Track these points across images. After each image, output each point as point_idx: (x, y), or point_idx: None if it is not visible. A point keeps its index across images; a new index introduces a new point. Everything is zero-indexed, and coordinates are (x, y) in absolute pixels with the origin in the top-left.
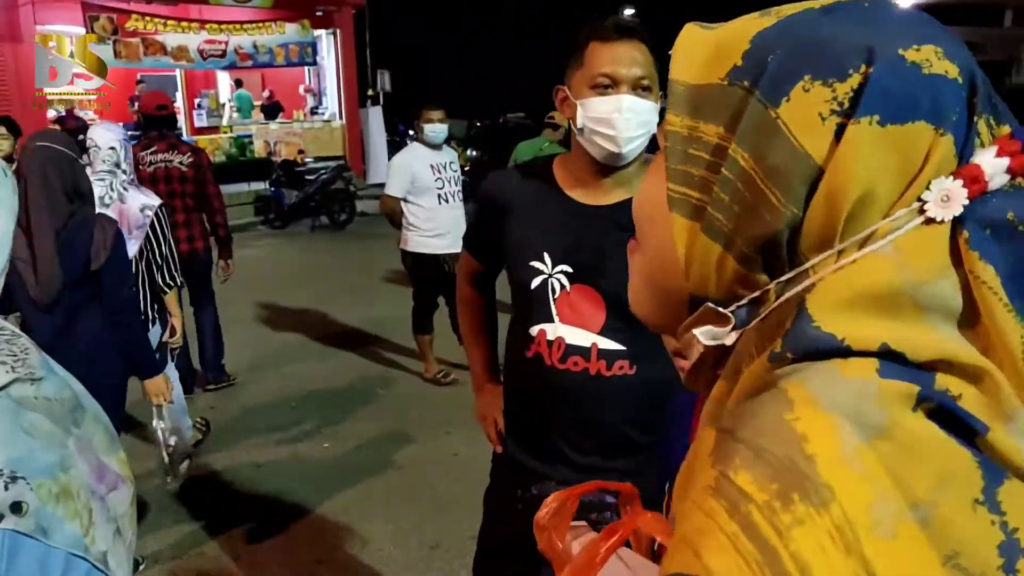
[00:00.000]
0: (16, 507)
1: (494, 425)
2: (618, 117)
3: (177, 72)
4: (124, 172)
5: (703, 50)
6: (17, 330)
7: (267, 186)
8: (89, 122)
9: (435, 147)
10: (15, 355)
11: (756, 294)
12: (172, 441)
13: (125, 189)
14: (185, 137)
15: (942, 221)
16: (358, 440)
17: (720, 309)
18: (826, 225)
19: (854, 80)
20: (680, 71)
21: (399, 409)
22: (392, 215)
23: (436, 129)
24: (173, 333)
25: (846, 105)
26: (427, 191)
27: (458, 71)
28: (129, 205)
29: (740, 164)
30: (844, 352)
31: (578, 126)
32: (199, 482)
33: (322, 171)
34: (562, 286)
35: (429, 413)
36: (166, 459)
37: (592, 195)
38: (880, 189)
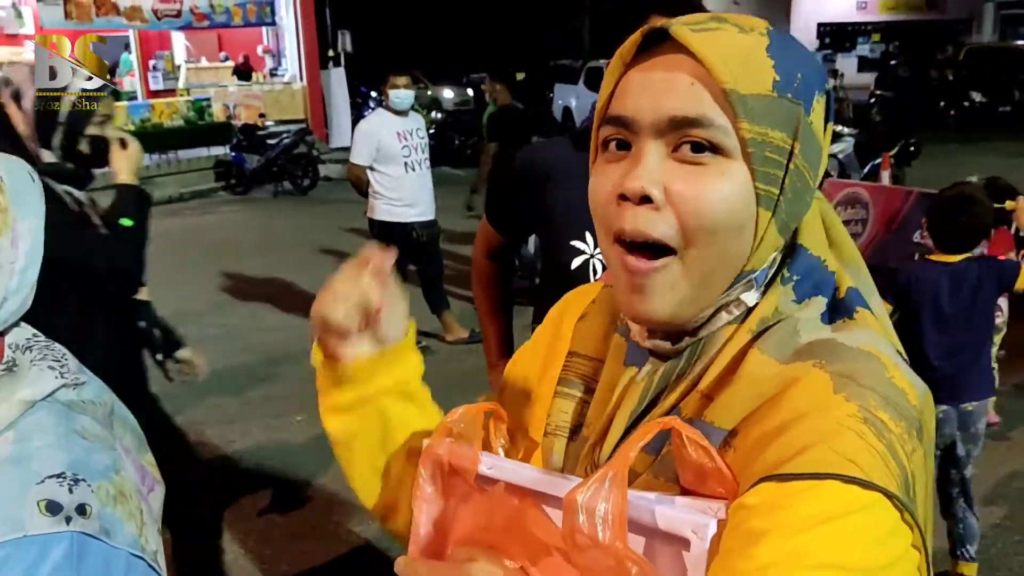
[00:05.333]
0: (81, 509)
1: None
2: None
3: (130, 33)
4: None
5: (733, 61)
6: (47, 339)
7: (227, 151)
8: None
9: (401, 113)
10: (58, 360)
11: (775, 255)
12: None
13: None
14: (140, 100)
15: None
16: None
17: (751, 277)
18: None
19: (825, 94)
20: (731, 80)
21: None
22: (358, 184)
23: (401, 95)
24: None
25: (827, 109)
26: (393, 159)
27: (421, 32)
28: None
29: (797, 162)
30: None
31: None
32: (169, 458)
33: (284, 135)
34: (604, 268)
35: None
36: None
37: None
38: None
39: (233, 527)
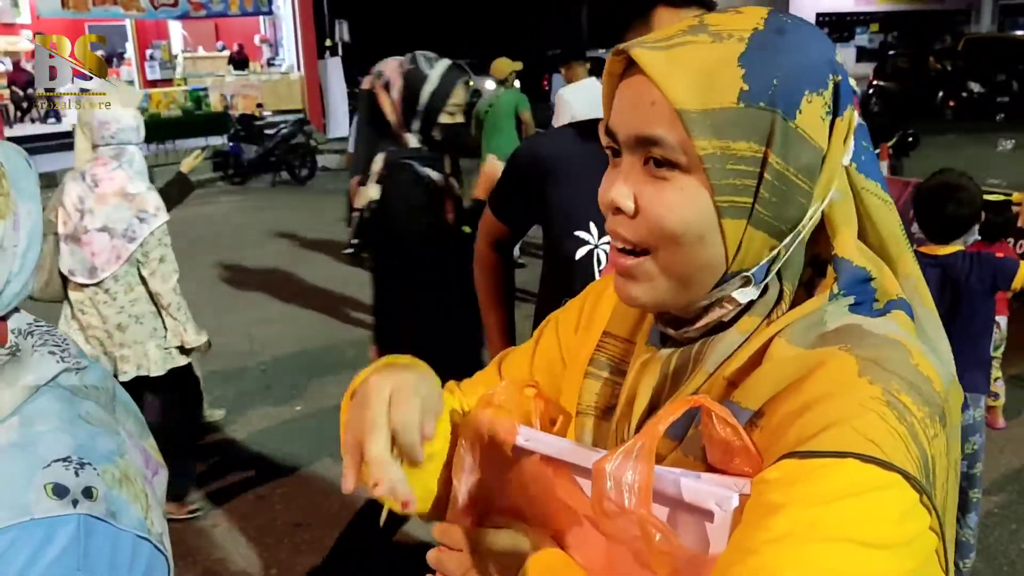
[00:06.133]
0: (87, 492)
1: None
2: None
3: (127, 22)
4: None
5: (689, 79)
6: (48, 324)
7: (225, 141)
8: None
9: None
10: (59, 345)
11: (773, 254)
12: None
13: None
14: (137, 90)
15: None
16: (331, 402)
17: (747, 274)
18: (823, 193)
19: (831, 87)
20: (683, 100)
21: None
22: None
23: None
24: None
25: (831, 106)
26: None
27: (418, 21)
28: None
29: (776, 168)
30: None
31: None
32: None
33: (281, 125)
34: (608, 257)
35: None
36: None
37: None
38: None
39: (233, 515)
